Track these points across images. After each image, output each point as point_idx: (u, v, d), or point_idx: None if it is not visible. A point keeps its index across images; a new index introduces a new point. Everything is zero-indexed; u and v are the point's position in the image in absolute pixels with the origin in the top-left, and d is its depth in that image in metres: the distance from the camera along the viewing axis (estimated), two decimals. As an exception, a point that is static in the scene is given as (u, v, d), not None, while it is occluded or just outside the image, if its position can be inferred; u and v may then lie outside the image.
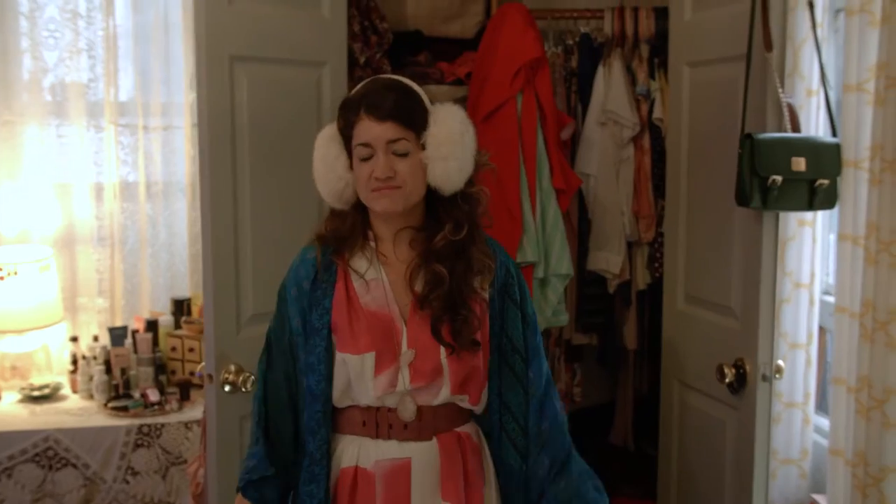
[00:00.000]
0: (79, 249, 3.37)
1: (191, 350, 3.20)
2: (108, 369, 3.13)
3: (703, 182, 2.52)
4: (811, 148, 2.03)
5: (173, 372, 3.24)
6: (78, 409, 3.04)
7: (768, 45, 2.07)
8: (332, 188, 1.69)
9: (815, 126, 2.17)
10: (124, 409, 2.97)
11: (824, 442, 2.25)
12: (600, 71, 3.27)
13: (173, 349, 3.24)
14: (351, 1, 2.72)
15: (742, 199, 2.05)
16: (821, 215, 2.25)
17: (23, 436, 2.83)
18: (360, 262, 1.71)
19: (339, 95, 2.55)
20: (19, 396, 3.10)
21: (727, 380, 2.23)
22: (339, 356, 1.68)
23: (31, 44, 3.27)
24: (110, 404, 3.01)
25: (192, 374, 3.17)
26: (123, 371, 3.13)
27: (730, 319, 2.33)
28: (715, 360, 2.29)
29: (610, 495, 1.80)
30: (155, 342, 3.24)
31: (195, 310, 3.33)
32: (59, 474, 2.84)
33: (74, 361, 3.21)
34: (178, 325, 3.31)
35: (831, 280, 2.42)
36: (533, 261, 2.84)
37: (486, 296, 1.73)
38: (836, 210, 2.07)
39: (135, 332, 3.26)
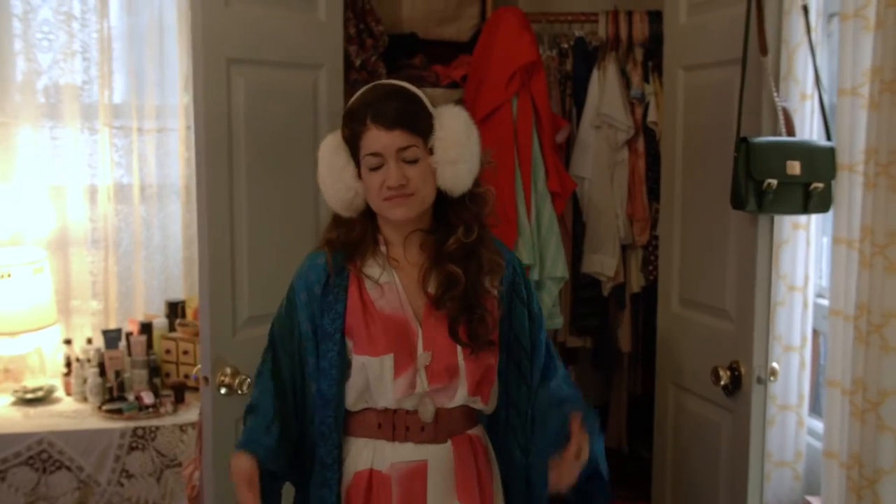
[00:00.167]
0: (72, 251, 3.36)
1: (185, 352, 3.19)
2: (102, 372, 3.12)
3: (697, 185, 2.53)
4: (806, 152, 2.04)
5: (167, 374, 3.24)
6: (72, 411, 3.03)
7: (763, 49, 2.08)
8: (342, 198, 1.69)
9: (809, 130, 2.19)
10: (118, 411, 2.96)
11: (817, 444, 2.26)
12: (595, 74, 3.28)
13: (168, 352, 3.23)
14: (347, 3, 2.73)
15: (737, 202, 2.06)
16: (814, 218, 2.26)
17: (16, 438, 2.81)
18: (372, 268, 1.71)
19: (336, 98, 2.57)
20: (13, 399, 3.09)
21: (722, 382, 2.24)
22: (358, 359, 1.68)
23: (24, 46, 3.26)
24: (104, 407, 3.00)
25: (186, 376, 3.16)
26: (117, 373, 3.12)
27: (725, 322, 2.34)
28: (710, 362, 2.30)
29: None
30: (149, 345, 3.22)
31: (189, 312, 3.32)
32: (53, 477, 2.83)
33: (68, 364, 3.20)
34: (172, 328, 3.30)
35: (824, 283, 2.43)
36: (528, 264, 2.85)
37: (498, 294, 1.74)
38: (829, 213, 2.08)
39: (129, 334, 3.25)
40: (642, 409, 3.28)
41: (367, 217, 1.73)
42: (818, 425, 2.31)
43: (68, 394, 3.17)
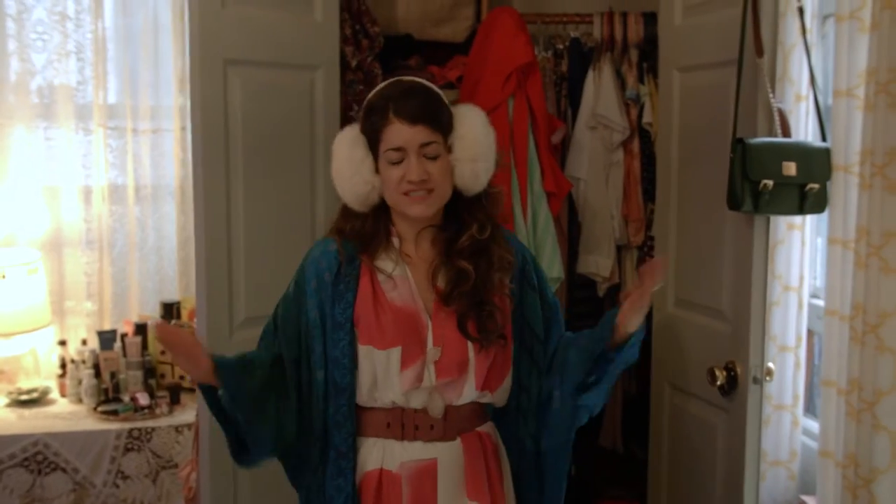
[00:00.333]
0: (67, 252, 3.36)
1: (180, 353, 3.19)
2: (97, 373, 3.12)
3: (692, 186, 2.54)
4: (801, 152, 2.05)
5: (163, 375, 3.23)
6: (67, 413, 3.03)
7: (759, 51, 2.09)
8: (358, 192, 1.69)
9: (804, 131, 2.19)
10: (114, 413, 2.96)
11: (812, 444, 2.27)
12: (590, 75, 3.29)
13: (163, 353, 3.22)
14: (343, 5, 2.73)
15: (734, 203, 2.07)
16: (809, 219, 2.27)
17: (11, 440, 2.81)
18: (385, 262, 1.72)
19: (332, 99, 2.58)
20: (7, 401, 3.09)
21: (718, 382, 2.24)
22: (364, 348, 1.68)
23: (18, 46, 3.25)
24: (100, 408, 2.99)
25: (182, 377, 3.15)
26: (113, 375, 3.12)
27: (720, 322, 2.35)
28: (705, 362, 2.31)
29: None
30: (144, 346, 3.22)
31: (185, 313, 3.32)
32: (49, 479, 2.82)
33: (63, 365, 3.19)
34: (167, 329, 3.29)
35: (819, 283, 2.44)
36: (524, 264, 2.85)
37: (509, 292, 1.74)
38: (824, 214, 2.09)
39: (124, 335, 3.25)
40: (637, 409, 3.28)
41: (380, 212, 1.73)
42: (812, 425, 2.32)
43: (63, 395, 3.17)
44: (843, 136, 1.96)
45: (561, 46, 3.40)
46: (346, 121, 2.74)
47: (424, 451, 1.70)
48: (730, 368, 2.23)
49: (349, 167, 1.68)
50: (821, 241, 2.37)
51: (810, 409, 2.44)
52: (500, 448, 1.81)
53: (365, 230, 1.72)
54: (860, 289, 1.83)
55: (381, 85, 1.72)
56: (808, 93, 2.16)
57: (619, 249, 3.36)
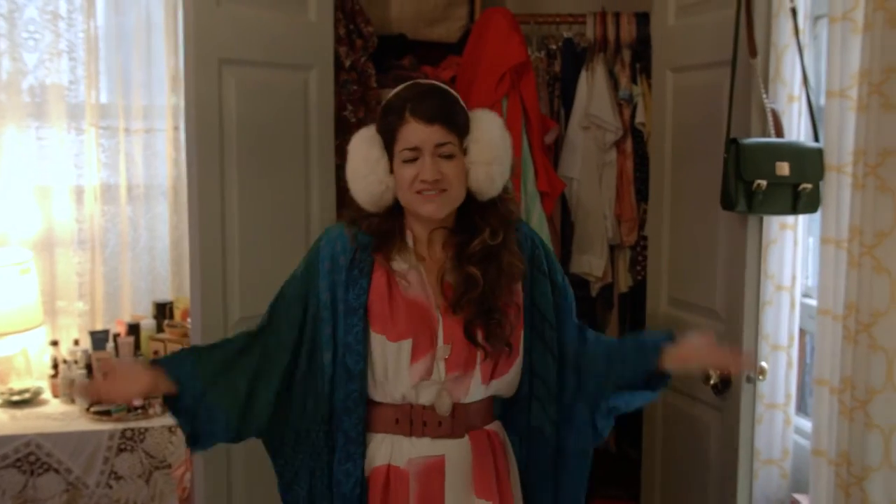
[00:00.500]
0: (59, 252, 3.35)
1: (173, 354, 3.18)
2: (90, 373, 3.10)
3: (685, 186, 2.55)
4: (795, 153, 2.06)
5: (155, 376, 3.22)
6: (59, 413, 3.01)
7: (753, 51, 2.10)
8: (372, 191, 1.69)
9: (797, 131, 2.21)
10: (107, 413, 2.95)
11: (804, 442, 2.28)
12: (583, 75, 3.30)
13: (156, 353, 3.20)
14: (337, 4, 2.73)
15: (727, 203, 2.08)
16: (801, 219, 2.28)
17: (3, 441, 2.80)
18: (399, 263, 1.72)
19: (326, 98, 2.58)
20: (-1, 401, 3.07)
21: (712, 381, 2.26)
22: (376, 336, 1.68)
23: (10, 45, 3.24)
24: (92, 409, 2.98)
25: (175, 377, 3.14)
26: (105, 375, 3.10)
27: (714, 321, 2.36)
28: (699, 361, 2.32)
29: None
30: (137, 346, 3.21)
31: (178, 313, 3.31)
32: (41, 479, 2.81)
33: (55, 366, 3.18)
34: (160, 329, 3.29)
35: (811, 283, 2.46)
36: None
37: (521, 301, 1.74)
38: (817, 214, 2.10)
39: (116, 335, 3.24)
40: (630, 408, 3.29)
41: (394, 213, 1.73)
42: (804, 423, 2.34)
43: (55, 395, 3.15)
44: (836, 137, 1.97)
45: (554, 47, 3.41)
46: (339, 120, 2.74)
47: (432, 448, 1.70)
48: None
49: (365, 166, 1.68)
50: (813, 241, 2.39)
51: (802, 408, 2.45)
52: (507, 447, 1.81)
53: (381, 228, 1.72)
54: (853, 288, 1.84)
55: (399, 87, 1.73)
56: (801, 93, 2.17)
57: (612, 249, 3.37)
